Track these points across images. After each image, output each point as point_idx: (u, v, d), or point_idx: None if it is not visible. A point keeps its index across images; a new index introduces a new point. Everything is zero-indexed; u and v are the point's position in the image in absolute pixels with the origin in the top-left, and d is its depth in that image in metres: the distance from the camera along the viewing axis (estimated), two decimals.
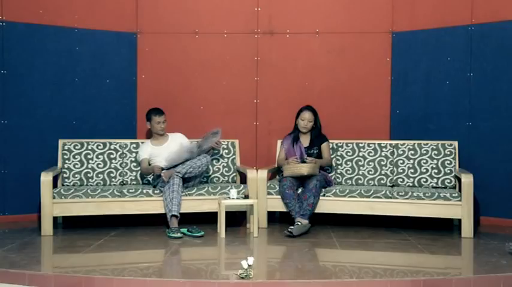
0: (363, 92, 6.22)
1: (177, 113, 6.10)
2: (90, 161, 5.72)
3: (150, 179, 5.68)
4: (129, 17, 6.21)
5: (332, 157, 5.85)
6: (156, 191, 5.37)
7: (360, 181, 5.84)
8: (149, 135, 5.89)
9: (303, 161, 5.54)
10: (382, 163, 5.84)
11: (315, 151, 5.68)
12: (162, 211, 5.30)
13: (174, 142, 5.73)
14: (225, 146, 5.97)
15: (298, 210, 5.28)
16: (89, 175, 5.68)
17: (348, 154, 5.93)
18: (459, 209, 5.14)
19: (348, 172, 5.89)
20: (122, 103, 6.19)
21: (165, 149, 5.65)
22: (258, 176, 5.49)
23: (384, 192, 5.36)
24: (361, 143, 5.93)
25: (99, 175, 5.71)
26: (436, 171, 5.66)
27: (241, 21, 6.28)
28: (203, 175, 5.69)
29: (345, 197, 5.41)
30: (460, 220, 5.19)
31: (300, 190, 5.45)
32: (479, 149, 5.75)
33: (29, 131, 5.80)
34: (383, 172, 5.82)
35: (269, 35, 6.28)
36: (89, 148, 5.75)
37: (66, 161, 5.66)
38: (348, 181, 5.87)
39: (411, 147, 5.80)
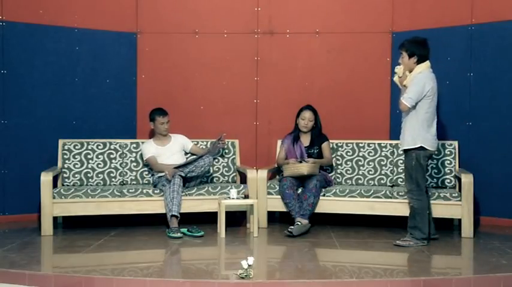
0: (363, 92, 6.22)
1: (177, 113, 6.08)
2: (90, 161, 5.71)
3: (151, 179, 5.68)
4: (129, 17, 6.20)
5: (332, 156, 5.85)
6: (156, 191, 5.37)
7: (360, 181, 5.84)
8: (152, 134, 5.88)
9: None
10: (382, 162, 5.83)
11: (315, 151, 5.68)
12: (162, 211, 5.30)
13: (176, 144, 5.74)
14: (225, 146, 5.97)
15: (298, 210, 5.28)
16: (89, 174, 5.68)
17: (348, 153, 5.93)
18: (459, 209, 5.14)
19: (348, 172, 5.89)
20: (122, 103, 6.19)
21: (168, 150, 5.66)
22: (258, 176, 5.48)
23: (383, 192, 5.35)
24: (361, 143, 5.93)
25: (99, 175, 5.71)
26: (436, 171, 5.65)
27: (241, 21, 6.27)
28: (204, 175, 5.69)
29: (345, 197, 5.41)
30: (460, 220, 5.19)
31: (300, 190, 5.44)
32: (479, 149, 5.75)
33: (28, 131, 5.80)
34: (383, 172, 5.82)
35: (269, 35, 6.28)
36: (89, 147, 5.75)
37: (66, 161, 5.66)
38: (348, 181, 5.87)
39: None
